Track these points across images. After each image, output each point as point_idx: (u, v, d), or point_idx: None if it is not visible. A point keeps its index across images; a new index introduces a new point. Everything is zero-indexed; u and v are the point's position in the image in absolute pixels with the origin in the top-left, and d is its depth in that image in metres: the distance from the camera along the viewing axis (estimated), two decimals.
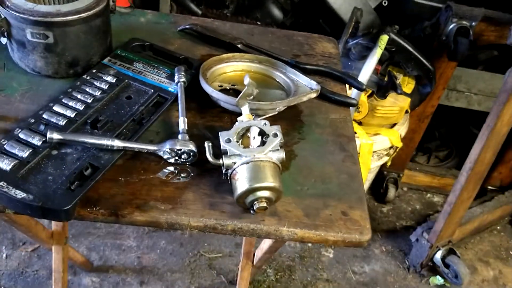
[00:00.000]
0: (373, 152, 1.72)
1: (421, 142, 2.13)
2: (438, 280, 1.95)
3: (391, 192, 2.18)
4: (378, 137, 1.72)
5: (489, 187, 2.25)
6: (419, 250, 1.92)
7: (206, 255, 1.88)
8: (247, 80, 0.77)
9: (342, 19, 1.77)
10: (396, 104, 1.69)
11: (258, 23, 1.81)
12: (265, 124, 0.73)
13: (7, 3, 0.79)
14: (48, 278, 1.68)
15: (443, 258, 1.90)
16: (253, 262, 1.31)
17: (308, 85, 0.89)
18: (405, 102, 1.69)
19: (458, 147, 2.46)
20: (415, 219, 2.22)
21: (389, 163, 1.95)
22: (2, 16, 0.79)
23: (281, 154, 0.70)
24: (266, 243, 1.20)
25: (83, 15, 0.79)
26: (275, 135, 0.71)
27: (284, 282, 1.84)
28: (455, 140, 2.49)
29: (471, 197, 1.75)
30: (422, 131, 2.02)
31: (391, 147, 1.77)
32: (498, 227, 2.25)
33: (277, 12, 1.89)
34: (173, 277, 1.78)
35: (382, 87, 1.62)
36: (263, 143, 0.71)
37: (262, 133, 0.73)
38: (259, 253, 1.28)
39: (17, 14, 0.77)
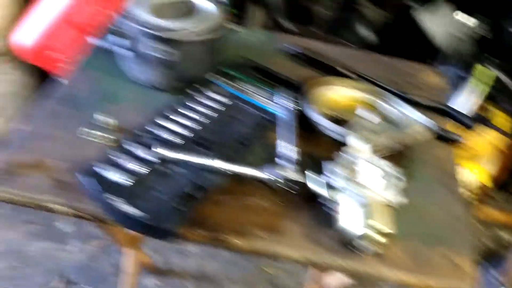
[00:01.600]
0: None
1: None
2: None
3: None
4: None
5: None
6: None
7: (267, 270, 1.85)
8: (366, 114, 0.74)
9: (436, 45, 1.70)
10: (483, 138, 1.60)
11: (349, 43, 1.77)
12: (386, 164, 0.70)
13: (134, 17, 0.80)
14: (113, 275, 1.71)
15: None
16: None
17: (421, 122, 0.84)
18: (495, 137, 1.59)
19: None
20: (483, 254, 2.09)
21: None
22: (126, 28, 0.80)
23: (402, 199, 0.66)
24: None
25: (209, 36, 0.79)
26: (399, 179, 0.67)
27: None
28: None
29: None
30: None
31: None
32: None
33: (365, 33, 1.85)
34: None
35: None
36: (377, 181, 0.67)
37: (374, 169, 0.69)
38: (332, 280, 1.23)
39: (142, 28, 0.78)
